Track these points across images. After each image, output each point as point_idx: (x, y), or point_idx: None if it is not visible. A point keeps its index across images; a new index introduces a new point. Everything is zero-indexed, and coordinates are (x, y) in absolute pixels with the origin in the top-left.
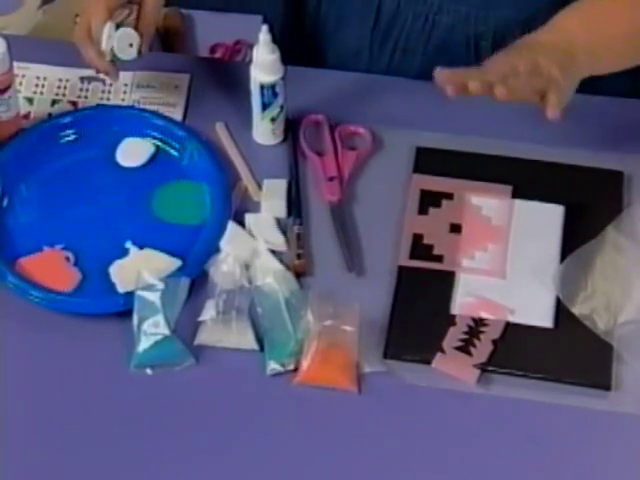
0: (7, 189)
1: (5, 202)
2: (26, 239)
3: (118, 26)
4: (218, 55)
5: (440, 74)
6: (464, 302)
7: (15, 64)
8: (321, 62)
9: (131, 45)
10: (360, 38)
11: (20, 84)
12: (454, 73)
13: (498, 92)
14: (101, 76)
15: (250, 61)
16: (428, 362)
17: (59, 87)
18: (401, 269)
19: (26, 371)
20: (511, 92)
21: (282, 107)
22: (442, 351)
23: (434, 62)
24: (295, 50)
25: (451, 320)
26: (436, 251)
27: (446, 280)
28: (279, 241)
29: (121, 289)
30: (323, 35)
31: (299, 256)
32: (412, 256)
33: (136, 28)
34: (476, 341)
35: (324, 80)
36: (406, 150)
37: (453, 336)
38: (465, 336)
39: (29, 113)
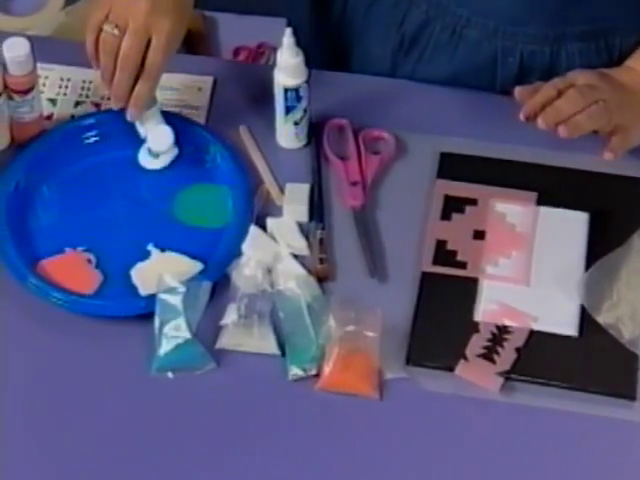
0: (29, 190)
1: (27, 203)
2: (48, 241)
3: None
4: (241, 58)
5: (520, 94)
6: (487, 309)
7: (39, 65)
8: (344, 67)
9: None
10: (384, 46)
11: (43, 85)
12: (529, 92)
13: (561, 130)
14: None
15: (273, 64)
16: (451, 369)
17: (82, 88)
18: (424, 275)
19: (47, 373)
20: (575, 129)
21: (305, 111)
22: (465, 358)
23: (459, 75)
24: (319, 54)
25: (474, 327)
26: (459, 257)
27: (469, 287)
28: (301, 245)
29: (143, 292)
30: (347, 41)
31: (321, 261)
32: (435, 262)
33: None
34: (499, 349)
35: (348, 84)
36: (430, 155)
37: (476, 343)
38: (488, 343)
39: (52, 114)
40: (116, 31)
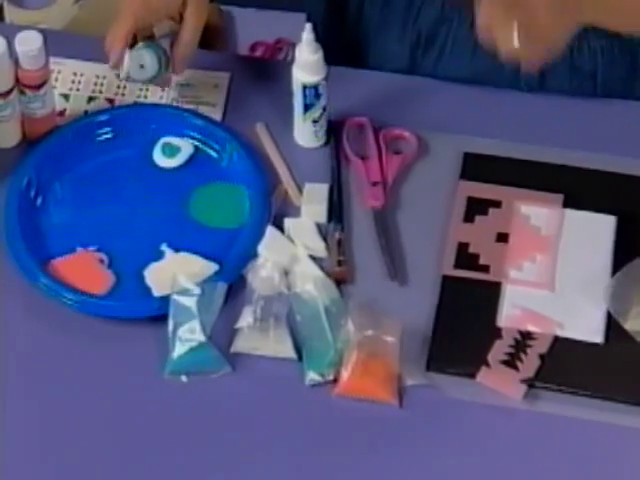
0: (41, 188)
1: (39, 201)
2: (59, 240)
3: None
4: (259, 54)
5: None
6: (511, 314)
7: (51, 59)
8: (361, 64)
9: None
10: (402, 43)
11: (56, 80)
12: None
13: None
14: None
15: (292, 60)
16: (472, 376)
17: (96, 84)
18: (445, 278)
19: (57, 375)
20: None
21: (325, 108)
22: (487, 365)
23: (481, 73)
24: (335, 50)
25: (497, 333)
26: (482, 261)
27: (492, 291)
28: (319, 247)
29: (156, 293)
30: (365, 36)
31: (340, 263)
32: (457, 265)
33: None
34: (523, 355)
35: (368, 81)
36: (453, 155)
37: (499, 349)
38: (511, 350)
39: (64, 110)
40: None
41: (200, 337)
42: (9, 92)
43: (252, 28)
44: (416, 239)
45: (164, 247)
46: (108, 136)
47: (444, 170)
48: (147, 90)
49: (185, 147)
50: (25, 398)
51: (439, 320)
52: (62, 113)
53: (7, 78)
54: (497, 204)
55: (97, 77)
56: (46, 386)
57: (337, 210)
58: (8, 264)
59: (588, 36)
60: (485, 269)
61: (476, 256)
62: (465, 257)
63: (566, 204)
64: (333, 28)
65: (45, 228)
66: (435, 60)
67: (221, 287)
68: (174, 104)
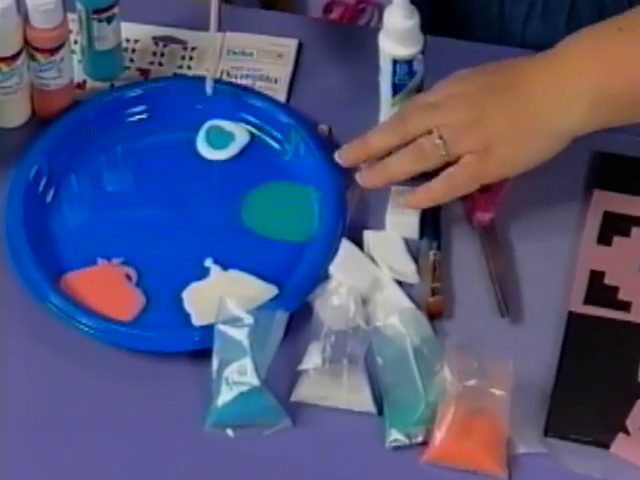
0: (53, 180)
1: (49, 197)
2: (75, 248)
3: None
4: (334, 16)
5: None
6: None
7: (70, 17)
8: (440, 27)
9: None
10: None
11: (75, 43)
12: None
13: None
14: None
15: (378, 26)
16: (605, 445)
17: (125, 49)
18: (572, 316)
19: (71, 420)
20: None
21: (420, 90)
22: (625, 431)
23: None
24: (435, 15)
25: (638, 390)
26: (621, 295)
27: (634, 335)
28: (409, 270)
29: (197, 321)
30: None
31: (434, 291)
32: (588, 300)
33: None
34: None
35: (470, 56)
36: (584, 157)
37: None
38: None
39: (85, 81)
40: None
41: (252, 380)
42: (16, 56)
43: None
44: (534, 264)
45: (209, 263)
46: (141, 117)
47: (572, 176)
48: (191, 59)
49: (239, 134)
50: (30, 446)
51: (562, 370)
52: (82, 85)
53: (13, 39)
54: None
55: (127, 41)
56: (55, 435)
57: (433, 223)
58: (10, 279)
59: None
60: (625, 306)
61: (613, 289)
62: (599, 290)
63: None
64: None
65: (57, 232)
66: (522, 24)
67: (280, 317)
68: (225, 78)
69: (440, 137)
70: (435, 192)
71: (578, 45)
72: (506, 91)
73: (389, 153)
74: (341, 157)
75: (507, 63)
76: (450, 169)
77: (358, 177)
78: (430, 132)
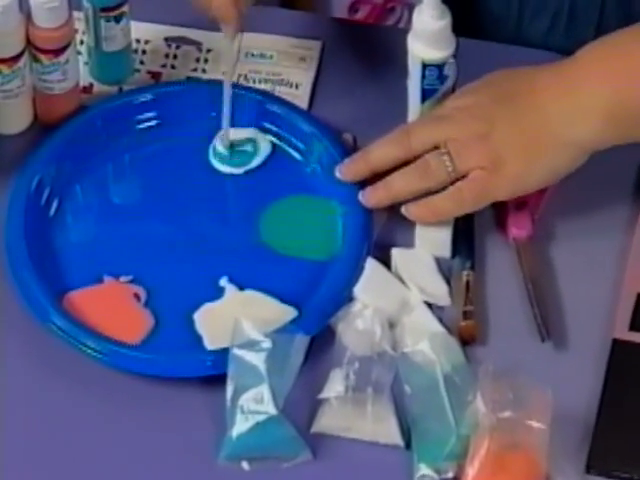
0: (56, 191)
1: (53, 209)
2: (80, 264)
3: None
4: (360, 16)
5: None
6: None
7: (76, 15)
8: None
9: None
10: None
11: (81, 43)
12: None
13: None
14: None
15: (407, 27)
16: None
17: (135, 51)
18: (616, 343)
19: (74, 449)
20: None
21: None
22: None
23: None
24: (465, 16)
25: None
26: None
27: None
28: (440, 291)
29: (210, 344)
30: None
31: (467, 315)
32: (634, 327)
33: None
34: None
35: (501, 59)
36: (631, 167)
37: None
38: None
39: (91, 85)
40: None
41: (270, 409)
42: (17, 57)
43: None
44: (577, 284)
45: (224, 282)
46: (151, 124)
47: (616, 185)
48: (206, 62)
49: (258, 144)
50: (31, 477)
51: (606, 401)
52: (88, 89)
53: (15, 38)
54: None
55: (137, 42)
56: (58, 463)
57: (466, 240)
58: (10, 297)
59: None
60: None
61: None
62: None
63: None
64: None
65: (60, 247)
66: (547, 29)
67: (300, 341)
68: (243, 83)
69: (447, 152)
70: (441, 207)
71: (593, 54)
72: (517, 102)
73: (394, 169)
74: (341, 172)
75: (518, 72)
76: (458, 183)
77: (361, 195)
78: (437, 147)
